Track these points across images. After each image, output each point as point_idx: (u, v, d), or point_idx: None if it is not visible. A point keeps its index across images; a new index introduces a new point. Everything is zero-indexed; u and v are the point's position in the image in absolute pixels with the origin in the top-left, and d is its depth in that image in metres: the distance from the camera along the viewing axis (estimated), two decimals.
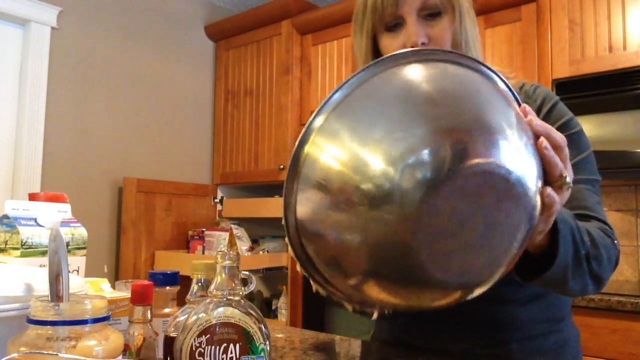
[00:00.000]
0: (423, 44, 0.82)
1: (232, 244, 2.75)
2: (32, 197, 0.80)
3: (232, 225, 2.81)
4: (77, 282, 0.72)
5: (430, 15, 0.83)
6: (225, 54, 3.16)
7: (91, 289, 0.77)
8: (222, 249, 2.69)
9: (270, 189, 3.10)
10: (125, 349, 0.66)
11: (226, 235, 2.73)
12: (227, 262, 0.62)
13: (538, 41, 2.12)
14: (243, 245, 2.80)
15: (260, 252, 2.84)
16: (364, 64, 0.91)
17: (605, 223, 0.79)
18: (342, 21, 2.67)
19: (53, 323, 0.52)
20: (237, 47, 3.10)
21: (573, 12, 2.03)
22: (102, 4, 2.70)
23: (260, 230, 3.14)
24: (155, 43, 2.92)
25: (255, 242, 2.95)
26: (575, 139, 0.84)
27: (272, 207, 2.83)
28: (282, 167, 2.77)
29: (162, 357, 0.70)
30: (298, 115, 2.81)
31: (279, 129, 2.83)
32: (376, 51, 0.91)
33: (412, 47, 0.82)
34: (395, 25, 0.85)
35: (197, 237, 2.81)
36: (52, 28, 2.50)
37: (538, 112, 0.86)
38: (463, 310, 0.85)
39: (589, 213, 0.80)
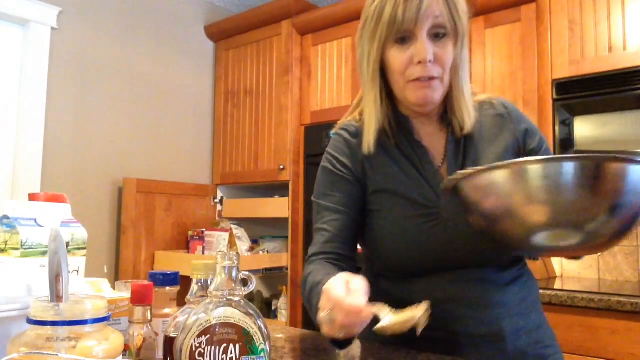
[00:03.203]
0: (430, 61, 0.90)
1: (232, 244, 2.75)
2: (32, 197, 0.80)
3: (232, 226, 2.81)
4: (77, 283, 0.72)
5: (437, 35, 0.91)
6: (225, 54, 3.16)
7: (91, 289, 0.77)
8: (222, 250, 2.69)
9: (270, 189, 3.10)
10: (125, 349, 0.66)
11: (226, 235, 2.73)
12: (227, 262, 0.62)
13: (538, 41, 2.12)
14: (243, 245, 2.80)
15: (260, 253, 2.84)
16: (371, 71, 0.97)
17: None
18: (342, 21, 2.67)
19: (53, 323, 0.52)
20: (237, 47, 3.09)
21: (573, 12, 2.03)
22: (102, 4, 2.70)
23: (260, 230, 3.14)
24: (155, 43, 2.92)
25: (255, 242, 2.95)
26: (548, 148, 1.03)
27: (272, 207, 2.83)
28: (282, 167, 2.77)
29: (162, 357, 0.70)
30: (298, 115, 2.81)
31: (279, 129, 2.83)
32: (381, 60, 0.95)
33: (419, 62, 0.90)
34: (404, 38, 0.91)
35: (197, 238, 2.81)
36: (52, 28, 2.50)
37: (517, 121, 1.01)
38: (458, 293, 0.93)
39: None
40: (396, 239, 0.95)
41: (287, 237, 2.81)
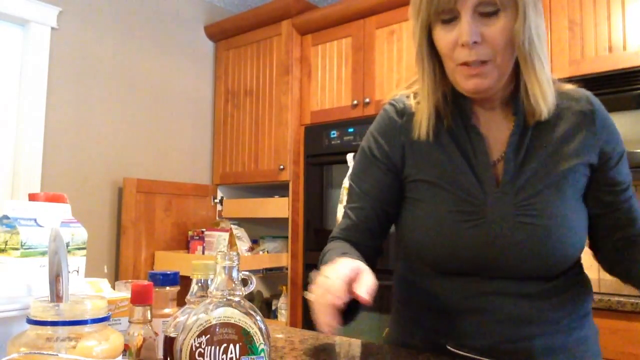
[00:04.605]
0: (475, 42, 0.79)
1: (232, 244, 2.75)
2: (32, 197, 0.80)
3: (232, 226, 2.81)
4: (77, 283, 0.72)
5: (486, 12, 0.79)
6: (225, 54, 3.16)
7: (91, 289, 0.77)
8: (222, 250, 2.69)
9: (270, 189, 3.10)
10: (125, 349, 0.66)
11: (226, 235, 2.73)
12: (227, 262, 0.62)
13: None
14: (243, 245, 2.80)
15: (260, 252, 2.84)
16: (419, 51, 0.88)
17: None
18: (342, 21, 2.67)
19: (53, 323, 0.52)
20: (237, 47, 3.10)
21: (573, 12, 2.03)
22: (102, 4, 2.70)
23: (260, 230, 3.14)
24: (155, 43, 2.92)
25: (255, 242, 2.95)
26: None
27: (272, 207, 2.83)
28: (282, 167, 2.77)
29: (162, 357, 0.70)
30: (298, 115, 2.81)
31: (279, 129, 2.83)
32: (430, 40, 0.87)
33: (462, 45, 0.80)
34: (450, 18, 0.81)
35: (197, 238, 2.81)
36: (52, 28, 2.50)
37: (601, 122, 0.90)
38: (488, 306, 0.84)
39: None
40: (430, 232, 0.87)
41: (287, 237, 2.81)
